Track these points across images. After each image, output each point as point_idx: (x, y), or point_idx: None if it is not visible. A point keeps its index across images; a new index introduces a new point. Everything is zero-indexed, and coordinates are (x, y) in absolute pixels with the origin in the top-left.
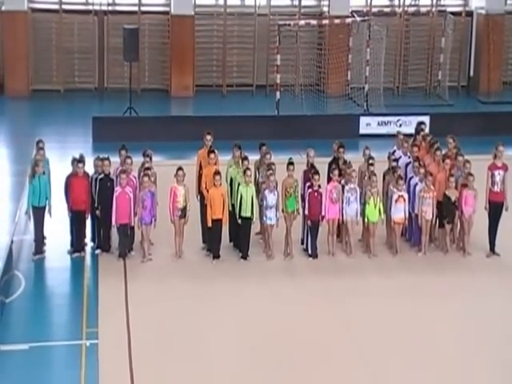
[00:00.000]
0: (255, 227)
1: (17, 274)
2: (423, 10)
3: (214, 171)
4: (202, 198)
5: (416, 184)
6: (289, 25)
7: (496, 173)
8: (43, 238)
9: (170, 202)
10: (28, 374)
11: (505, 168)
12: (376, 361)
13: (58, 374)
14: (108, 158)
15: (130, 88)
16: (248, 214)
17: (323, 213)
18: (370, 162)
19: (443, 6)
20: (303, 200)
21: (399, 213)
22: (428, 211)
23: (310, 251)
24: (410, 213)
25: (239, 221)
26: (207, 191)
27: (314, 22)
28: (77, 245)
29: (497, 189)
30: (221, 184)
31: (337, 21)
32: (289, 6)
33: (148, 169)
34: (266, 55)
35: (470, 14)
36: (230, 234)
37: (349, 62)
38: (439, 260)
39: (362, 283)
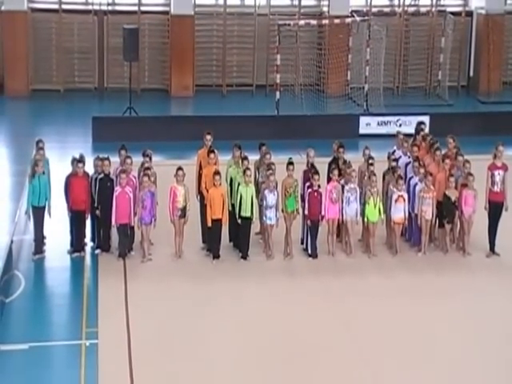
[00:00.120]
0: (255, 227)
1: (17, 273)
2: (423, 9)
3: (213, 171)
4: (202, 198)
5: (416, 184)
6: (289, 25)
7: (496, 173)
8: (43, 237)
9: (169, 202)
10: (28, 373)
11: (505, 168)
12: (376, 361)
13: (57, 374)
14: (108, 158)
15: (130, 88)
16: (248, 214)
17: (323, 213)
18: (370, 161)
19: (443, 5)
20: (303, 200)
21: (399, 213)
22: (428, 211)
23: (309, 251)
24: (409, 213)
25: (239, 221)
26: (207, 191)
27: (313, 21)
28: (77, 245)
29: (497, 189)
30: (221, 184)
31: (337, 21)
32: (289, 6)
33: (148, 169)
34: (266, 55)
35: (469, 13)
36: (230, 234)
37: (349, 61)
38: (439, 260)
39: (361, 283)
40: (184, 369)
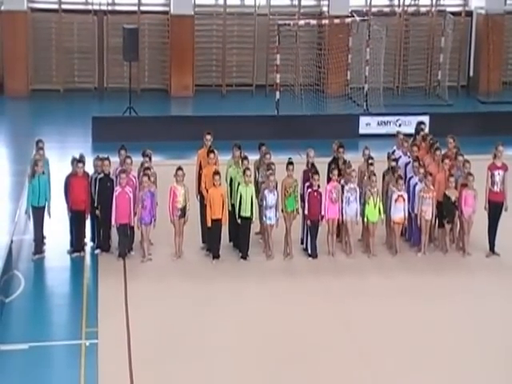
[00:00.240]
0: (255, 227)
1: (16, 273)
2: (423, 9)
3: (213, 171)
4: (202, 198)
5: (416, 184)
6: (288, 25)
7: (496, 173)
8: (43, 237)
9: (169, 202)
10: (28, 373)
11: (504, 168)
12: (376, 361)
13: (57, 374)
14: (108, 158)
15: (130, 88)
16: (248, 214)
17: (323, 213)
18: (370, 161)
19: (443, 5)
20: (303, 200)
21: (399, 213)
22: (428, 211)
23: (309, 251)
24: (409, 213)
25: (239, 221)
26: (207, 191)
27: (313, 21)
28: (76, 245)
29: (496, 189)
30: (220, 184)
31: (336, 21)
32: (288, 6)
33: (148, 169)
34: (266, 55)
35: (469, 13)
36: (230, 234)
37: (348, 61)
38: (439, 260)
39: (361, 283)
40: (184, 369)
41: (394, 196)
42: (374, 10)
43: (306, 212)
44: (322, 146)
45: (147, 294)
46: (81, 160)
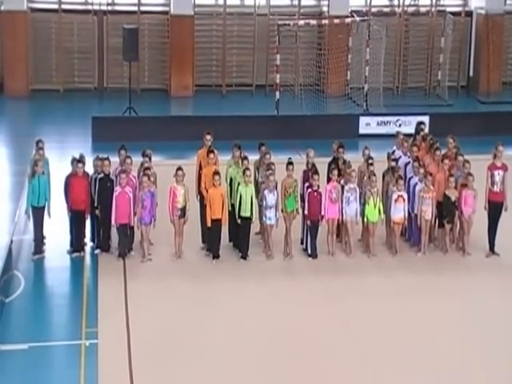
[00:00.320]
0: (255, 227)
1: (16, 273)
2: (423, 9)
3: (213, 171)
4: (202, 198)
5: (416, 184)
6: (288, 25)
7: (496, 173)
8: (43, 237)
9: (169, 202)
10: (27, 373)
11: (504, 168)
12: (376, 360)
13: (57, 374)
14: (108, 158)
15: (130, 88)
16: (247, 214)
17: (323, 213)
18: (370, 161)
19: (443, 5)
20: (303, 200)
21: (399, 213)
22: (427, 211)
23: (309, 251)
24: (409, 213)
25: (239, 221)
26: (206, 191)
27: (313, 21)
28: (76, 245)
29: (496, 189)
30: (220, 184)
31: (336, 21)
32: (288, 6)
33: (148, 169)
34: (266, 55)
35: (469, 14)
36: (230, 234)
37: (348, 61)
38: (439, 260)
39: (361, 283)
40: (184, 368)
41: (394, 196)
42: (373, 10)
43: (306, 212)
44: (322, 145)
45: (147, 293)
46: (81, 160)
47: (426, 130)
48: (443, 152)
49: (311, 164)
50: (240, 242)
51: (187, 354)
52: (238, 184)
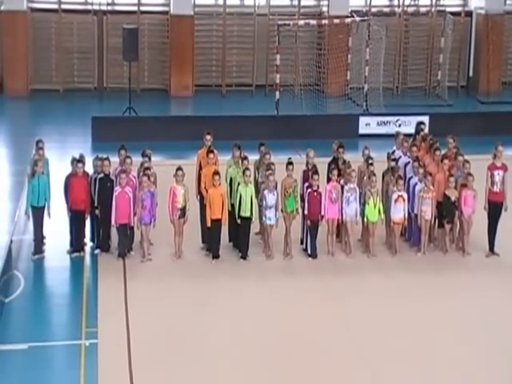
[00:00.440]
0: (255, 227)
1: (16, 273)
2: (423, 9)
3: (213, 171)
4: (202, 198)
5: (415, 184)
6: (288, 25)
7: (495, 173)
8: (42, 237)
9: (169, 202)
10: (27, 373)
11: (504, 168)
12: (376, 360)
13: (57, 374)
14: (108, 158)
15: (130, 88)
16: (247, 214)
17: (323, 213)
18: (370, 161)
19: (443, 6)
20: (303, 200)
21: (399, 213)
22: (427, 211)
23: (309, 251)
24: (409, 213)
25: (239, 221)
26: (206, 191)
27: (313, 21)
28: (76, 245)
29: (496, 189)
30: (220, 184)
31: (336, 21)
32: (288, 6)
33: (148, 169)
34: (266, 55)
35: (469, 14)
36: (230, 234)
37: (348, 61)
38: (438, 260)
39: (361, 283)
40: (184, 368)
41: (394, 196)
42: (373, 10)
43: (306, 212)
44: (322, 146)
45: (147, 293)
46: (80, 160)
47: (426, 130)
48: (443, 152)
49: (311, 164)
50: (240, 242)
51: (187, 354)
52: (238, 184)
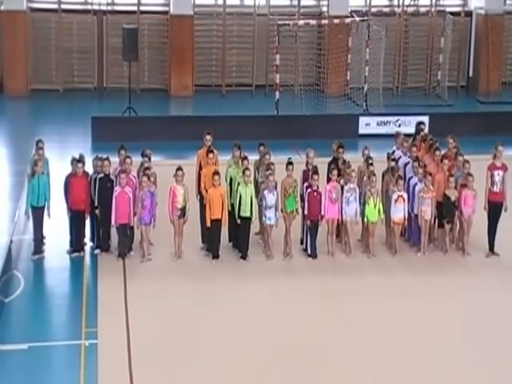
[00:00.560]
0: (254, 227)
1: (16, 273)
2: (422, 10)
3: (213, 171)
4: (202, 198)
5: (415, 184)
6: (288, 25)
7: (495, 173)
8: (42, 237)
9: (169, 202)
10: (27, 373)
11: (504, 168)
12: (376, 360)
13: (57, 374)
14: (107, 158)
15: (130, 88)
16: (247, 214)
17: (322, 213)
18: (369, 161)
19: (442, 6)
20: (302, 200)
21: (399, 213)
22: (427, 211)
23: (309, 251)
24: (409, 213)
25: (238, 221)
26: (206, 191)
27: (313, 21)
28: (76, 245)
29: (496, 189)
30: (220, 184)
31: (336, 21)
32: (288, 6)
33: (147, 169)
34: (266, 55)
35: (469, 14)
36: (230, 234)
37: (348, 61)
38: (438, 260)
39: (361, 283)
40: (184, 368)
41: (394, 196)
42: (373, 10)
43: (306, 212)
44: (322, 146)
45: (147, 293)
46: (80, 160)
47: (426, 130)
48: (443, 152)
49: (311, 164)
50: (240, 242)
51: (187, 354)
52: (238, 184)
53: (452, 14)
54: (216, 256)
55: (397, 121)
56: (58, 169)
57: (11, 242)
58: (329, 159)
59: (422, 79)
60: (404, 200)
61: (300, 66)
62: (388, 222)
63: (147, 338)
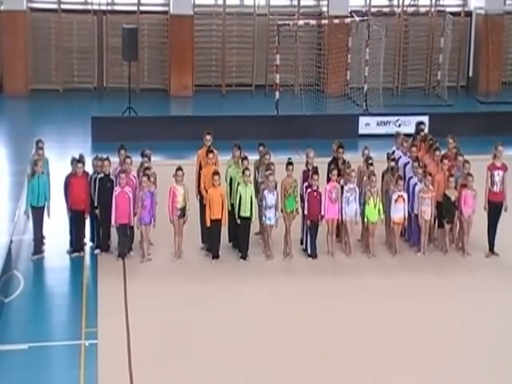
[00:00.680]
0: (254, 227)
1: (16, 273)
2: (422, 10)
3: (212, 171)
4: (202, 198)
5: (415, 184)
6: (288, 25)
7: (495, 173)
8: (42, 237)
9: (169, 202)
10: (27, 373)
11: (504, 168)
12: (376, 360)
13: (57, 374)
14: (107, 158)
15: (129, 88)
16: (247, 214)
17: (322, 213)
18: (369, 161)
19: (442, 6)
20: (302, 200)
21: (399, 213)
22: (427, 211)
23: (309, 251)
24: (409, 213)
25: (238, 221)
26: (206, 191)
27: (313, 21)
28: (76, 245)
29: (496, 189)
30: (220, 184)
31: (336, 21)
32: (288, 6)
33: (147, 169)
34: (266, 55)
35: (469, 14)
36: (230, 234)
37: (348, 61)
38: (438, 260)
39: (361, 283)
40: (184, 368)
41: (394, 196)
42: (373, 10)
43: (306, 212)
44: (322, 146)
45: (147, 293)
46: (80, 160)
47: (426, 130)
48: (443, 152)
49: (311, 164)
50: (240, 242)
51: (187, 353)
52: (238, 184)
53: (452, 14)
54: (216, 256)
55: (397, 121)
56: (58, 169)
57: (11, 241)
58: (329, 159)
59: (422, 79)
60: (404, 200)
61: (300, 65)
62: (388, 222)
63: (147, 338)
